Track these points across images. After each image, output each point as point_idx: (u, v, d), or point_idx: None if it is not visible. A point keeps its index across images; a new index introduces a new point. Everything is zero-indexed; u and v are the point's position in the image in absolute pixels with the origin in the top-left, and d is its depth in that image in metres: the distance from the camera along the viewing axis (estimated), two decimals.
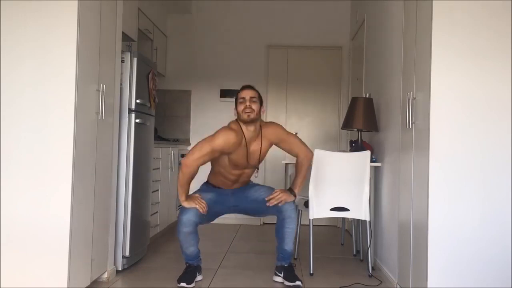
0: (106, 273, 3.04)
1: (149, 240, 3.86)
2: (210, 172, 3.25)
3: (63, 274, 2.47)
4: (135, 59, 3.32)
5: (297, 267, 3.58)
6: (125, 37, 3.76)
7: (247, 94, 3.03)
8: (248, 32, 5.77)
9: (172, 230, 4.94)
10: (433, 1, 2.39)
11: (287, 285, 3.08)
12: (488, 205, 2.38)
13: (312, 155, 3.25)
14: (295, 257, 3.83)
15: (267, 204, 3.08)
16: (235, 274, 3.35)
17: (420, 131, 2.57)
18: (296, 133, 5.61)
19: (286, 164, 3.73)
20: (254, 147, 3.09)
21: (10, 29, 2.49)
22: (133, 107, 3.32)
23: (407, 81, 2.87)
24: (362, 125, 3.66)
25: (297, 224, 3.17)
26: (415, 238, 2.61)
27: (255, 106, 3.01)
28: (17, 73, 2.49)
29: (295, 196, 3.13)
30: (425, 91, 2.49)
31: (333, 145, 5.66)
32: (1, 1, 2.50)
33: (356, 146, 3.74)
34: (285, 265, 3.14)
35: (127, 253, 3.29)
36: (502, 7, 2.39)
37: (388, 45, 3.49)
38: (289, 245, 3.12)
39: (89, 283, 2.78)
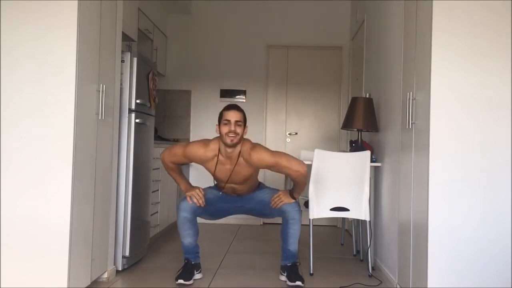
0: (106, 273, 3.04)
1: (149, 240, 3.86)
2: None
3: (63, 274, 2.47)
4: (135, 59, 3.32)
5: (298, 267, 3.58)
6: (125, 37, 3.76)
7: (232, 117, 2.96)
8: (248, 32, 5.77)
9: (172, 230, 4.94)
10: (433, 1, 2.39)
11: (288, 285, 3.08)
12: (488, 205, 2.38)
13: (305, 167, 3.05)
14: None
15: (271, 205, 3.14)
16: (235, 274, 3.35)
17: (420, 131, 2.57)
18: (296, 133, 5.66)
19: None
20: (228, 166, 3.05)
21: (10, 29, 2.49)
22: (133, 107, 3.32)
23: (407, 81, 2.87)
24: (362, 125, 3.66)
25: (300, 225, 3.18)
26: (415, 238, 2.61)
27: (239, 130, 2.96)
28: (17, 73, 2.49)
29: (294, 199, 3.14)
30: (425, 91, 2.49)
31: (333, 145, 5.66)
32: (1, 1, 2.50)
33: (356, 146, 3.74)
34: (288, 265, 3.15)
35: (127, 253, 3.29)
36: (502, 7, 2.39)
37: (388, 45, 3.49)
38: (292, 246, 3.15)
39: (89, 283, 2.78)
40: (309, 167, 3.48)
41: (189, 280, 3.05)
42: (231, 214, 3.34)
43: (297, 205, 3.14)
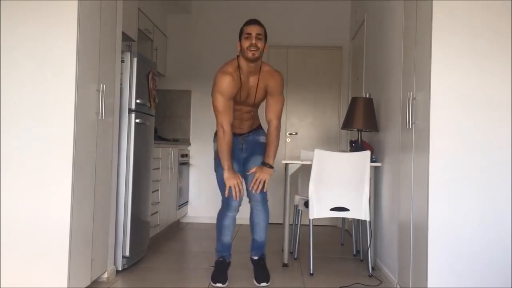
0: (106, 273, 3.04)
1: (149, 240, 3.86)
2: None
3: (63, 274, 2.47)
4: (135, 59, 3.32)
5: (297, 267, 3.58)
6: (125, 37, 3.76)
7: (253, 30, 2.90)
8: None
9: (172, 230, 4.95)
10: (433, 1, 2.39)
11: (255, 285, 3.06)
12: (488, 205, 2.38)
13: (280, 128, 3.10)
14: (295, 257, 3.83)
15: (253, 192, 3.04)
16: (235, 274, 3.35)
17: (420, 131, 2.57)
18: (296, 133, 5.66)
19: (286, 164, 3.73)
20: (251, 82, 3.01)
21: (10, 29, 2.49)
22: (133, 107, 3.32)
23: (407, 81, 2.87)
24: (362, 125, 3.66)
25: (267, 216, 3.11)
26: (415, 238, 2.61)
27: (260, 44, 2.91)
28: (17, 73, 2.49)
29: (271, 167, 3.03)
30: (425, 91, 2.49)
31: (333, 145, 5.66)
32: (1, 1, 2.50)
33: (356, 146, 3.74)
34: (255, 258, 3.13)
35: (127, 253, 3.29)
36: (502, 7, 2.39)
37: (388, 45, 3.49)
38: (258, 235, 3.12)
39: (89, 283, 2.78)
40: (309, 167, 3.49)
41: (225, 282, 3.03)
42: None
43: (265, 195, 3.07)
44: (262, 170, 3.01)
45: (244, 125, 3.17)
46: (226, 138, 2.95)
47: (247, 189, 3.08)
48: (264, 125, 3.25)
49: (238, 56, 3.01)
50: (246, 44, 2.89)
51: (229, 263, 3.16)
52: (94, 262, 2.81)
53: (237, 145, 3.14)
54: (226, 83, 2.91)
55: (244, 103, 3.05)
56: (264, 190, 3.03)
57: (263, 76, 3.01)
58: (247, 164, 3.13)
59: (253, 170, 3.01)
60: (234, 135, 3.09)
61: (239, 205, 3.07)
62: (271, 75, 3.02)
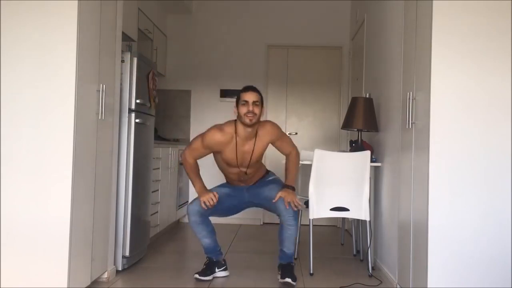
0: (106, 273, 3.04)
1: (149, 240, 3.86)
2: None
3: (63, 274, 2.47)
4: (135, 59, 3.31)
5: (297, 267, 3.58)
6: (125, 37, 3.76)
7: (250, 98, 3.03)
8: (248, 32, 5.77)
9: (172, 230, 4.95)
10: (433, 1, 2.39)
11: (279, 281, 3.09)
12: (488, 205, 2.37)
13: (299, 155, 3.32)
14: (295, 257, 3.83)
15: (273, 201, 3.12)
16: (235, 274, 3.35)
17: (420, 131, 2.57)
18: (296, 133, 5.66)
19: None
20: (247, 147, 3.12)
21: (10, 28, 2.49)
22: (133, 107, 3.32)
23: (407, 81, 2.87)
24: (362, 125, 3.66)
25: (297, 229, 3.18)
26: (415, 238, 2.61)
27: (257, 111, 3.03)
28: (17, 73, 2.49)
29: (294, 189, 3.16)
30: (425, 91, 2.49)
31: (333, 145, 5.66)
32: (1, 1, 2.50)
33: (356, 146, 3.74)
34: (283, 263, 3.16)
35: (127, 253, 3.29)
36: (502, 7, 2.39)
37: (388, 45, 3.49)
38: (287, 248, 3.16)
39: (89, 283, 2.78)
40: (309, 167, 3.49)
41: (205, 276, 3.14)
42: (241, 210, 3.36)
43: (295, 212, 3.10)
44: (287, 192, 3.10)
45: (246, 181, 3.27)
46: (188, 166, 3.18)
47: (277, 206, 3.11)
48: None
49: (235, 121, 3.12)
50: (243, 110, 3.02)
51: (216, 262, 3.24)
52: (94, 262, 2.81)
53: (240, 189, 3.28)
54: (215, 138, 3.07)
55: (240, 166, 3.15)
56: (299, 208, 3.14)
57: (259, 139, 3.13)
58: (261, 194, 3.23)
59: (279, 195, 3.10)
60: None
61: (200, 212, 3.11)
62: (265, 132, 3.15)
